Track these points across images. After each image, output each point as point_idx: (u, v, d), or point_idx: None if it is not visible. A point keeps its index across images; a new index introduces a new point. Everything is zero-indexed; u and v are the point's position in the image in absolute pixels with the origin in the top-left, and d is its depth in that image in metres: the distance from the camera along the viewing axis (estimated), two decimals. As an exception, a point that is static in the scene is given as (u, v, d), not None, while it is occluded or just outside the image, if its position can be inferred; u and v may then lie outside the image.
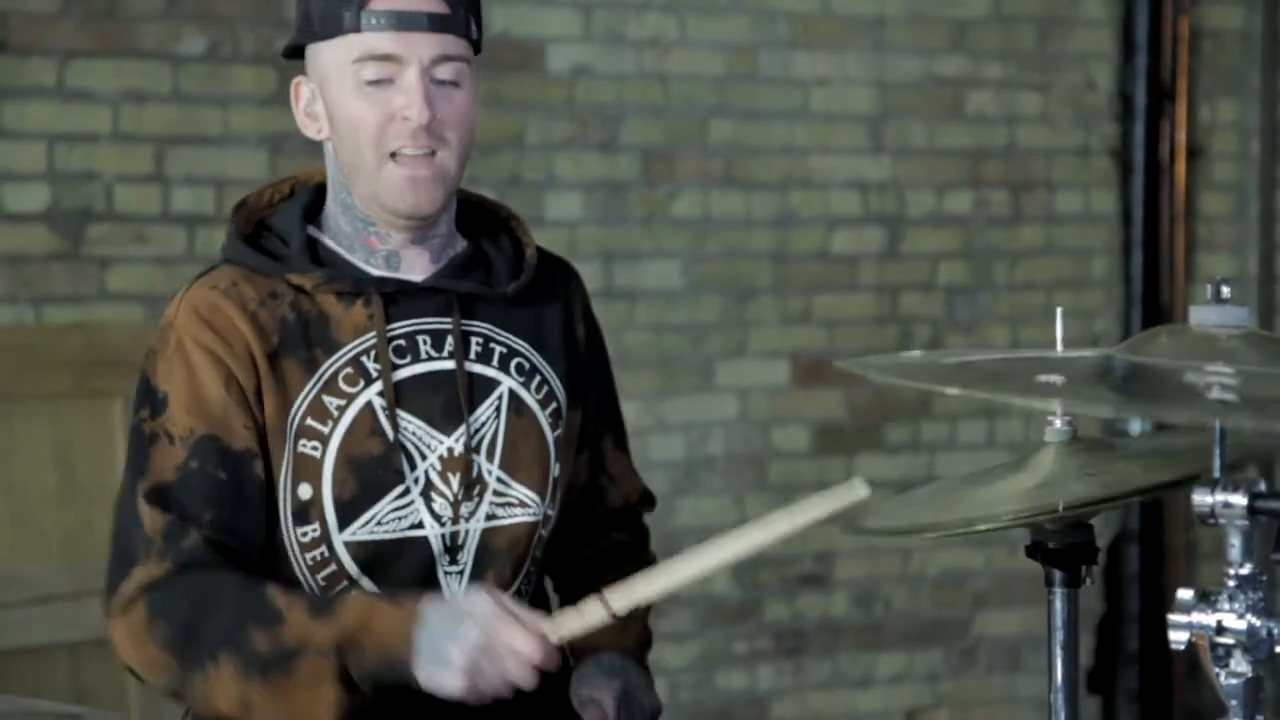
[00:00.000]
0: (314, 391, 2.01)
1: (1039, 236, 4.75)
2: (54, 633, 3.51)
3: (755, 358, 4.46)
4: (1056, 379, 1.67)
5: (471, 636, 1.88)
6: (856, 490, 1.83)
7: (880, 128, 4.57)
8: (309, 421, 2.00)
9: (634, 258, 4.33)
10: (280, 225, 2.10)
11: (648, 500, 2.31)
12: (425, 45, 2.00)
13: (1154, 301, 4.77)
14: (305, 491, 1.99)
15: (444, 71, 2.02)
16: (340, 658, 1.90)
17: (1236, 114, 4.90)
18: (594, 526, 2.25)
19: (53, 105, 3.77)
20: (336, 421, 2.00)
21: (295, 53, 2.10)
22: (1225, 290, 1.82)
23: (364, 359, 2.02)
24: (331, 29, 2.02)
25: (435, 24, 2.01)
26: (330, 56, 2.03)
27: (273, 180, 2.19)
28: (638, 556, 2.24)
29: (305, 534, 2.01)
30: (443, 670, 1.88)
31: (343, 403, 2.01)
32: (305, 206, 2.11)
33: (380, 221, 2.06)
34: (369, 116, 2.01)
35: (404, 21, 2.00)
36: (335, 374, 2.02)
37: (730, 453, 4.42)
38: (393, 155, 2.01)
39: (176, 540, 1.95)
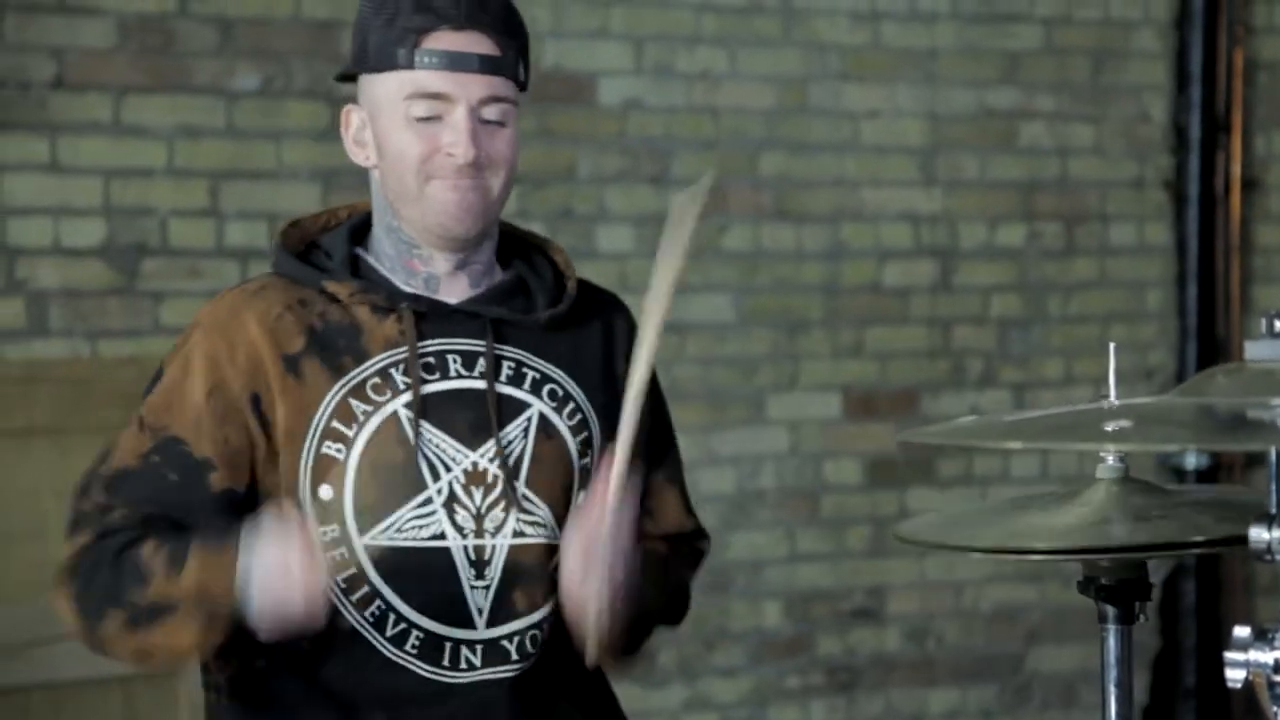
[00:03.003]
0: (340, 395, 2.03)
1: (1092, 269, 4.72)
2: (106, 667, 3.50)
3: (806, 391, 4.45)
4: (1125, 424, 1.65)
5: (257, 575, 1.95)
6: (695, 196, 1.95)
7: (931, 160, 4.56)
8: (334, 424, 2.03)
9: (685, 291, 4.33)
10: (327, 243, 2.15)
11: (702, 539, 2.27)
12: (475, 86, 2.05)
13: (1209, 334, 4.73)
14: (326, 493, 2.02)
15: (491, 112, 2.06)
16: (200, 607, 1.98)
17: (1292, 146, 4.87)
18: None
19: (108, 140, 3.80)
20: (362, 426, 2.03)
21: (348, 78, 2.14)
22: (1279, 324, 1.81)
23: (393, 371, 2.05)
24: (385, 63, 2.06)
25: (486, 66, 2.05)
26: (382, 89, 2.07)
27: None
28: (672, 565, 2.20)
29: (326, 534, 2.02)
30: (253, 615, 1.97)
31: (369, 409, 2.03)
32: (353, 229, 2.16)
33: (425, 244, 2.09)
34: (415, 149, 2.05)
35: (456, 62, 2.04)
36: (363, 382, 2.05)
37: (782, 486, 4.41)
38: (428, 180, 2.06)
39: (108, 517, 2.04)
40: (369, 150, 2.10)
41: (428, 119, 2.04)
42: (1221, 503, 2.02)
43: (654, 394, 2.22)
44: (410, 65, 2.04)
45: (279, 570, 1.93)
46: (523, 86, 2.11)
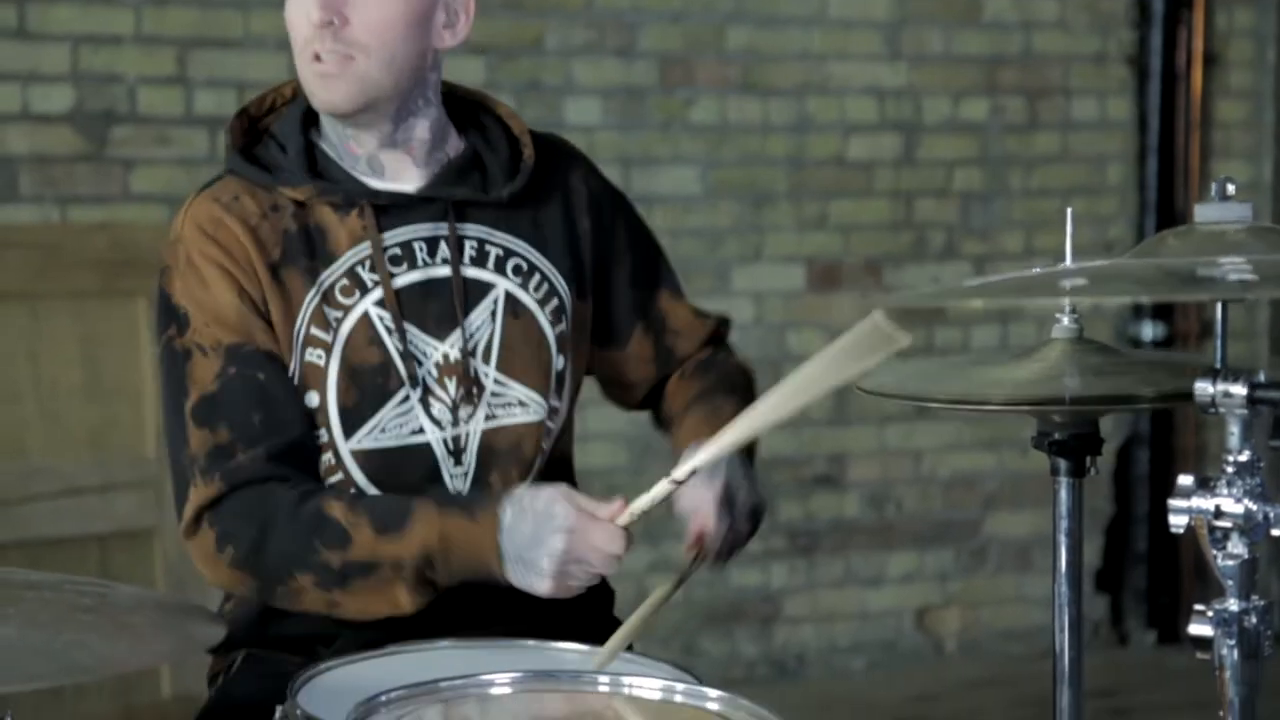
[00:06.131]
0: (315, 301, 2.05)
1: (1054, 143, 4.76)
2: (83, 525, 3.58)
3: (771, 262, 4.50)
4: (1080, 281, 1.71)
5: (558, 545, 1.92)
6: (894, 338, 1.81)
7: (897, 34, 4.58)
8: (313, 330, 2.04)
9: (651, 163, 4.36)
10: (280, 132, 2.13)
11: (723, 325, 2.32)
12: None
13: (1168, 208, 4.79)
14: (313, 399, 2.04)
15: None
16: (417, 573, 1.96)
17: (1253, 21, 4.89)
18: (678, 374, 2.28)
19: (77, 7, 3.80)
20: (337, 331, 2.04)
21: None
22: (1230, 188, 1.87)
23: (359, 269, 2.06)
24: None
25: None
26: None
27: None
28: (724, 364, 2.27)
29: (317, 438, 2.05)
30: (534, 578, 1.94)
31: (340, 314, 2.05)
32: (306, 110, 2.13)
33: (341, 124, 2.09)
34: (296, 23, 2.04)
35: None
36: (333, 285, 2.06)
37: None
38: (316, 58, 2.03)
39: (224, 459, 1.99)
40: None
41: None
42: (1173, 362, 2.08)
43: (625, 229, 2.24)
44: None
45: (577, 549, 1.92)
46: None
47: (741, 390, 2.25)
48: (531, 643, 2.00)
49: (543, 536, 1.93)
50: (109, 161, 3.84)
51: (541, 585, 1.94)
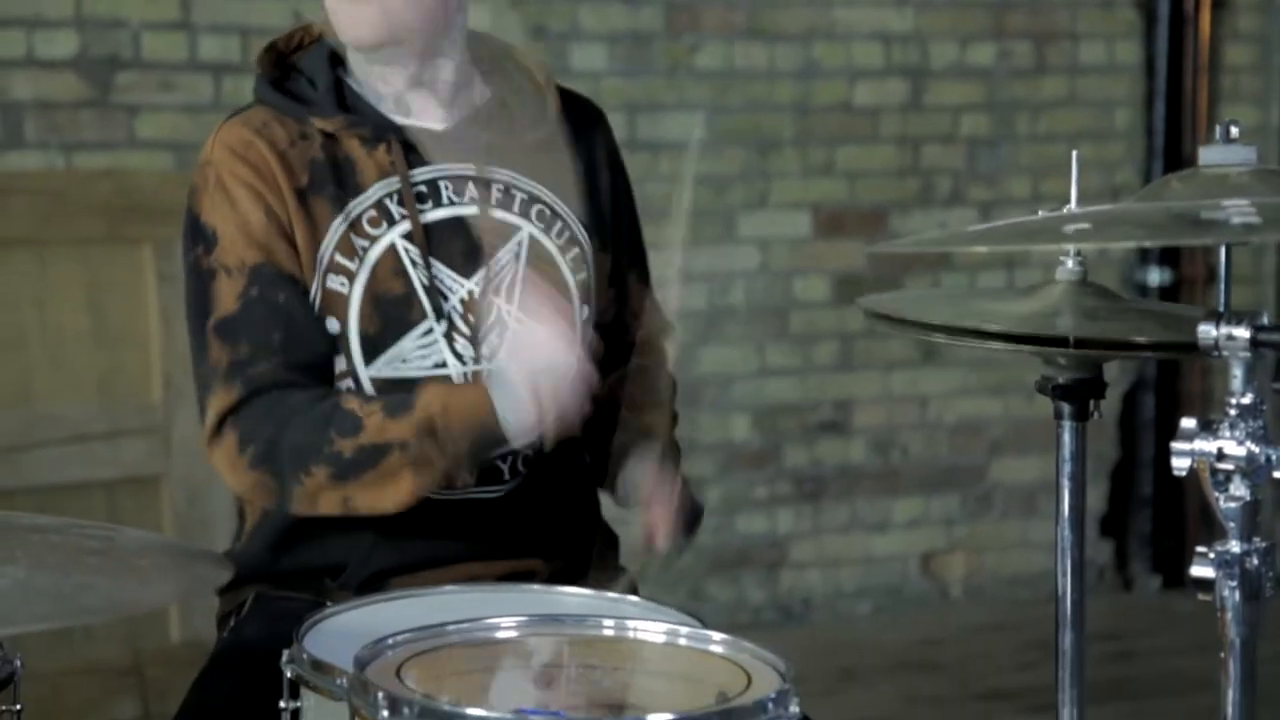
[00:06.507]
0: (342, 229, 2.06)
1: (1062, 88, 4.75)
2: (90, 471, 3.59)
3: (777, 209, 4.49)
4: (1084, 226, 1.71)
5: (523, 359, 1.93)
6: None
7: (904, -22, 4.56)
8: (338, 258, 2.06)
9: (657, 109, 4.35)
10: (308, 67, 2.15)
11: (667, 331, 2.34)
12: None
13: (1176, 153, 4.77)
14: (333, 325, 2.06)
15: None
16: (420, 448, 1.95)
17: (1263, -36, 4.87)
18: (619, 356, 2.30)
19: (79, -49, 3.79)
20: (362, 260, 2.06)
21: None
22: (1235, 131, 1.87)
23: (387, 202, 2.08)
24: None
25: None
26: None
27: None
28: (657, 376, 2.28)
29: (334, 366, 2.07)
30: (522, 412, 1.93)
31: (367, 243, 2.07)
32: (333, 48, 2.15)
33: (369, 61, 2.11)
34: None
35: None
36: (360, 215, 2.07)
37: (752, 303, 4.47)
38: None
39: (244, 367, 2.02)
40: None
41: None
42: (1173, 314, 2.08)
43: (628, 198, 2.27)
44: None
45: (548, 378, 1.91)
46: None
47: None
48: (537, 587, 2.02)
49: (509, 360, 1.94)
50: (113, 108, 3.83)
51: (529, 416, 1.92)
